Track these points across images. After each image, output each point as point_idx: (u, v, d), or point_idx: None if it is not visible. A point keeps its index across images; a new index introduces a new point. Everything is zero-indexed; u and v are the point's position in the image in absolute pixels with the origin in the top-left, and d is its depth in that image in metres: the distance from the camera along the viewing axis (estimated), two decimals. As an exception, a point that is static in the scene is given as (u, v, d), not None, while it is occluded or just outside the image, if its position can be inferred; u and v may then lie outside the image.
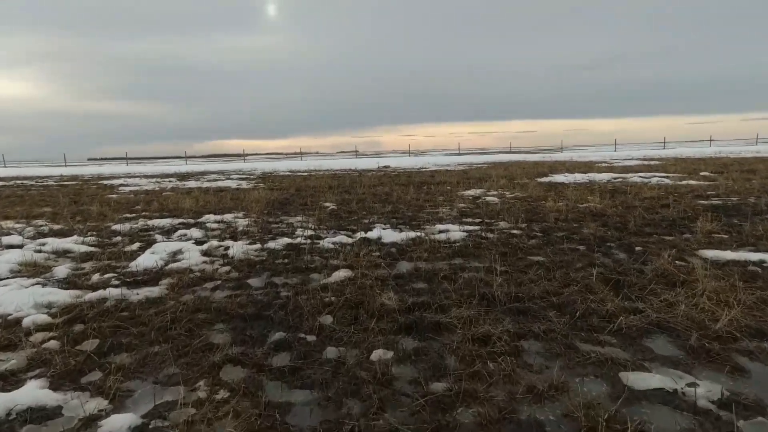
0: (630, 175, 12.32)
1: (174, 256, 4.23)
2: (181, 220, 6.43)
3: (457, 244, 4.44)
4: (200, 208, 7.76)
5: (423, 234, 4.94)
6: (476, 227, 5.31)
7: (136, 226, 6.05)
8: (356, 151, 51.07)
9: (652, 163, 18.54)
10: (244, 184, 13.41)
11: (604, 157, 27.51)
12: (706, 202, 6.75)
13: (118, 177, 20.35)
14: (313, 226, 5.68)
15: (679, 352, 2.17)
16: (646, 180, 10.63)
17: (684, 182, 9.81)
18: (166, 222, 6.30)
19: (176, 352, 2.27)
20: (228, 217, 6.64)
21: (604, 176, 12.25)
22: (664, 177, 11.21)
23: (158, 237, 5.15)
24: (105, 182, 16.38)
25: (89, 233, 5.51)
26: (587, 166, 17.54)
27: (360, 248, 4.37)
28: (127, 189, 12.78)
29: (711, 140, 48.19)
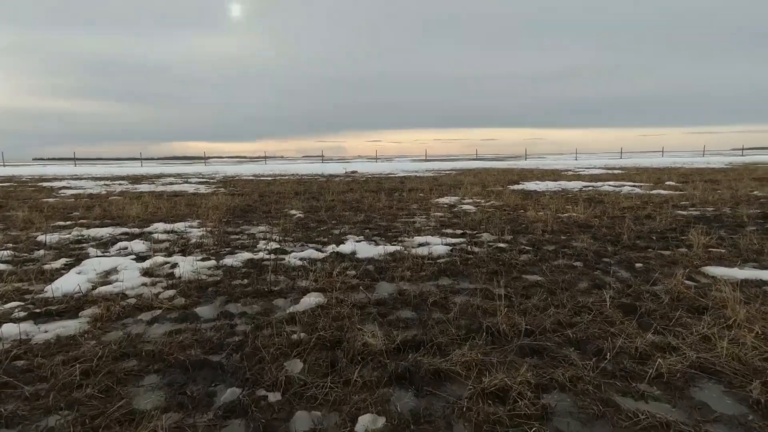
0: (599, 183, 12.35)
1: (106, 276, 3.49)
2: (124, 230, 5.61)
3: (442, 260, 3.95)
4: (149, 215, 6.91)
5: (402, 248, 4.42)
6: (459, 240, 4.85)
7: (67, 237, 5.20)
8: (322, 156, 50.18)
9: (616, 171, 18.94)
10: (203, 189, 12.48)
11: (568, 165, 28.11)
12: (685, 213, 6.61)
13: (62, 179, 18.71)
14: (277, 238, 5.04)
15: (743, 409, 1.74)
16: (617, 189, 10.61)
17: (655, 191, 9.82)
18: (105, 232, 5.47)
19: (80, 428, 1.62)
20: (180, 226, 5.87)
21: (574, 184, 12.21)
22: (633, 186, 11.26)
23: (92, 251, 4.36)
24: (45, 184, 14.92)
25: (4, 246, 4.62)
26: (555, 174, 17.67)
27: (332, 265, 3.78)
28: (69, 192, 11.57)
29: (663, 151, 50.68)
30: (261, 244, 4.65)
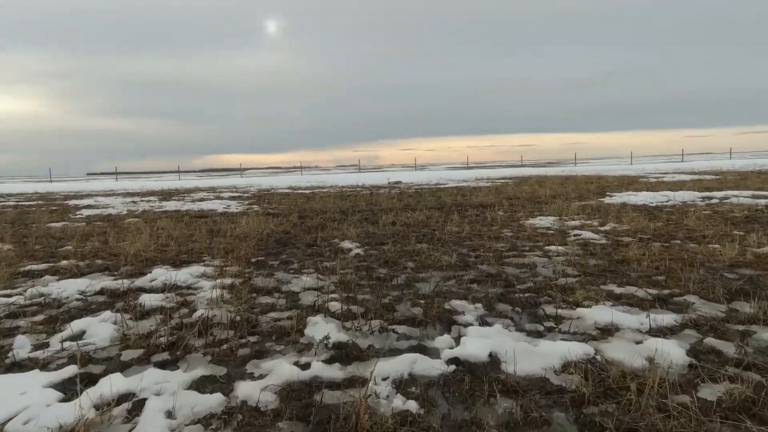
0: (718, 193, 9.75)
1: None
2: (107, 283, 3.81)
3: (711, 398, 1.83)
4: (156, 251, 5.15)
5: (584, 355, 2.32)
6: (669, 317, 2.70)
7: (17, 297, 3.43)
8: (359, 166, 48.68)
9: (707, 177, 16.01)
10: (234, 206, 10.82)
11: (632, 170, 25.05)
12: None
13: (94, 195, 17.77)
14: (337, 308, 3.05)
15: None
16: (751, 200, 8.07)
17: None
18: (80, 286, 3.67)
19: None
20: (189, 273, 4.03)
21: (684, 195, 9.67)
22: (759, 195, 8.65)
23: (19, 343, 2.52)
24: (71, 202, 13.78)
25: None
26: (633, 181, 15.02)
27: (471, 404, 1.75)
28: (87, 213, 10.17)
29: (731, 152, 45.94)
30: (310, 327, 2.67)
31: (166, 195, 16.46)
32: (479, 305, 2.98)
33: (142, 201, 13.54)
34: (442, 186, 16.62)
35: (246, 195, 15.06)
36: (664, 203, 8.57)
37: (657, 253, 4.27)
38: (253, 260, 4.61)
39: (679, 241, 4.87)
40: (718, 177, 15.89)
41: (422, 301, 3.10)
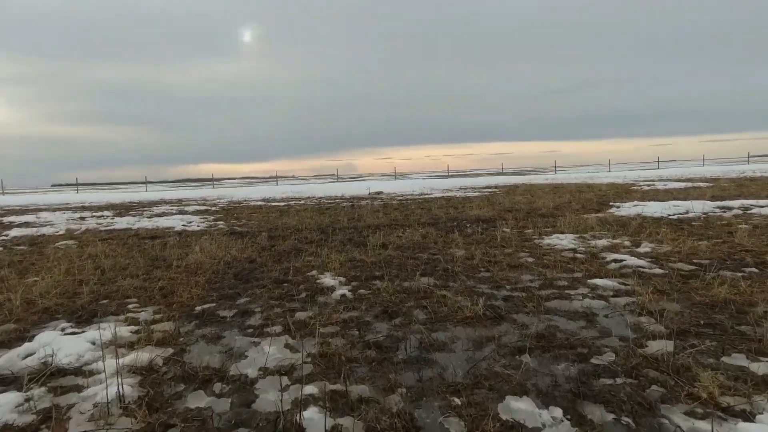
0: (728, 202, 8.93)
1: None
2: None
3: None
4: (65, 294, 3.78)
5: None
6: None
7: None
8: (337, 175, 47.35)
9: (699, 185, 15.42)
10: (196, 222, 9.40)
11: (613, 178, 24.59)
12: None
13: (44, 209, 15.90)
14: (317, 424, 1.81)
15: None
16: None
17: None
18: None
19: None
20: (91, 339, 2.70)
21: (693, 205, 8.80)
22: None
23: None
24: (9, 219, 12.00)
25: None
26: (628, 190, 14.27)
27: None
28: (16, 233, 8.57)
29: (704, 160, 46.76)
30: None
31: (124, 209, 14.80)
32: (556, 410, 1.78)
33: (93, 217, 11.91)
34: (427, 197, 15.53)
35: (213, 209, 13.58)
36: (684, 215, 7.64)
37: (748, 290, 3.19)
38: (198, 309, 3.31)
39: (755, 269, 3.82)
40: (711, 184, 15.34)
41: (458, 401, 1.88)
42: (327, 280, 3.99)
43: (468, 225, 7.43)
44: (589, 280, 3.71)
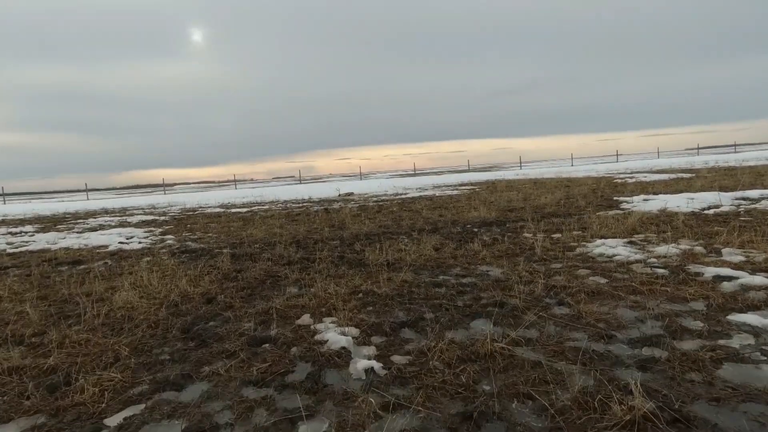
0: (745, 192, 8.19)
1: None
2: None
3: None
4: None
5: None
6: None
7: None
8: (299, 177, 45.27)
9: (682, 176, 15.03)
10: (138, 238, 7.60)
11: (583, 171, 24.33)
12: None
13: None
14: None
15: None
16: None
17: None
18: None
19: None
20: None
21: (706, 197, 7.99)
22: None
23: None
24: None
25: None
26: (618, 184, 13.61)
27: None
28: None
29: (659, 152, 48.40)
30: None
31: (52, 222, 12.54)
32: None
33: (7, 234, 9.74)
34: (404, 197, 14.23)
35: (162, 219, 11.65)
36: (715, 208, 6.72)
37: None
38: (110, 421, 1.80)
39: None
40: (693, 175, 14.98)
41: None
42: (332, 335, 2.55)
43: (477, 230, 6.17)
44: (729, 317, 2.49)
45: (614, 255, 4.17)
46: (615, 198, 9.22)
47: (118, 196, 37.15)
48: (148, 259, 5.50)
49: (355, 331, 2.63)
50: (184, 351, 2.49)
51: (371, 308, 3.07)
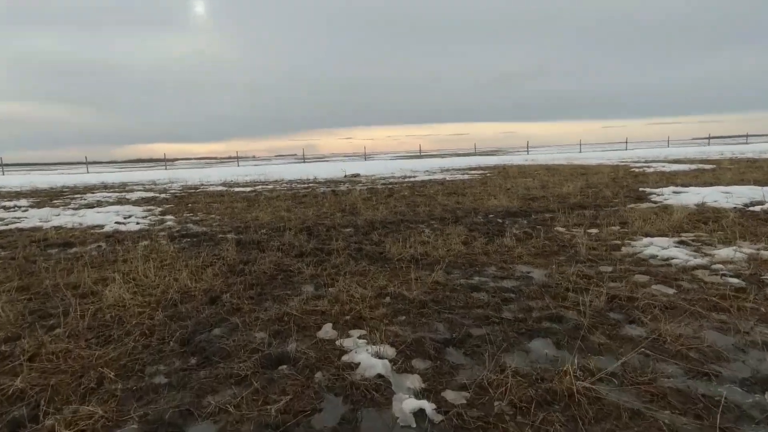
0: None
1: None
2: None
3: None
4: None
5: None
6: None
7: None
8: (303, 156, 44.56)
9: (703, 167, 14.45)
10: (137, 218, 7.13)
11: (595, 159, 23.66)
12: None
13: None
14: None
15: None
16: None
17: None
18: None
19: None
20: None
21: (748, 192, 7.48)
22: None
23: None
24: None
25: None
26: (633, 174, 13.04)
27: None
28: None
29: (668, 141, 47.45)
30: None
31: (49, 196, 12.06)
32: None
33: (0, 208, 9.27)
34: (414, 180, 13.70)
35: (163, 196, 11.16)
36: (760, 205, 6.21)
37: None
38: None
39: None
40: (714, 166, 14.39)
41: None
42: (364, 357, 2.09)
43: (502, 221, 5.68)
44: None
45: (670, 258, 3.69)
46: (641, 189, 8.70)
47: (119, 170, 36.56)
48: (146, 243, 5.04)
49: (390, 351, 2.17)
50: (184, 372, 2.03)
51: (404, 317, 2.61)
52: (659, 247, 4.00)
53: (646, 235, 4.50)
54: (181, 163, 73.40)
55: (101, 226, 6.40)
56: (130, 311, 2.77)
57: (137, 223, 6.60)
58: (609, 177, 11.70)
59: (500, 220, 5.80)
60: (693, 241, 4.24)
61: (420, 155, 45.55)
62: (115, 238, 5.48)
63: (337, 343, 2.28)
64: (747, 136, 48.38)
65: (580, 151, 41.38)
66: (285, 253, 4.28)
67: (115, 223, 6.62)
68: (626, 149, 43.17)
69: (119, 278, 3.26)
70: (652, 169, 14.15)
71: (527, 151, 43.74)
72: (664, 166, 15.35)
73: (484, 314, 2.60)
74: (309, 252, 4.26)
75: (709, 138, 47.71)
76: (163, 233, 5.71)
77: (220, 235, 5.39)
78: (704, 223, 4.96)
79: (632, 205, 6.68)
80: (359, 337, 2.34)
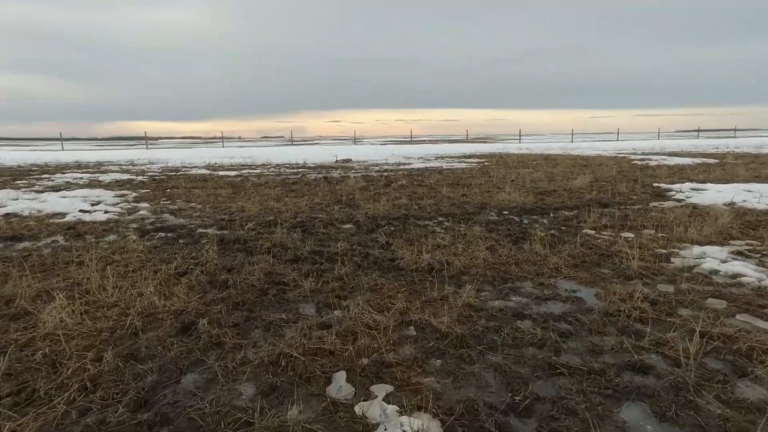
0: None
1: None
2: None
3: None
4: None
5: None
6: None
7: None
8: (291, 138, 43.29)
9: (707, 161, 14.07)
10: (107, 204, 6.33)
11: (592, 150, 23.26)
12: None
13: None
14: None
15: None
16: None
17: None
18: None
19: None
20: None
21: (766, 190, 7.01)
22: None
23: None
24: None
25: None
26: (635, 167, 12.58)
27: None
28: None
29: (659, 133, 47.47)
30: None
31: (12, 176, 11.06)
32: None
33: (-45, 190, 8.30)
34: (409, 167, 13.01)
35: (140, 179, 10.28)
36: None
37: None
38: None
39: None
40: (717, 160, 14.03)
41: None
42: (399, 439, 1.45)
43: (519, 220, 5.07)
44: None
45: (736, 275, 3.12)
46: (655, 184, 8.18)
47: (98, 148, 34.93)
48: (112, 238, 4.29)
49: (435, 427, 1.53)
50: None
51: (439, 362, 1.97)
52: (716, 260, 3.43)
53: (694, 243, 3.93)
54: (164, 142, 71.24)
55: (62, 215, 5.59)
56: (71, 345, 2.07)
57: (105, 212, 5.80)
58: (615, 170, 11.19)
59: (517, 219, 5.19)
60: (750, 251, 3.68)
61: (411, 141, 44.72)
62: (76, 230, 4.70)
63: (357, 409, 1.64)
64: (735, 130, 48.70)
65: (572, 141, 41.06)
66: (276, 257, 3.59)
67: (80, 211, 5.81)
68: (617, 140, 43.01)
69: (63, 296, 2.53)
70: (655, 162, 13.71)
71: (519, 139, 43.26)
72: (665, 159, 14.93)
73: (544, 359, 1.98)
74: (305, 257, 3.58)
75: (699, 131, 47.90)
76: (134, 225, 4.96)
77: (200, 230, 4.66)
78: (752, 229, 4.41)
79: (655, 203, 6.14)
80: (386, 398, 1.69)
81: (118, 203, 6.61)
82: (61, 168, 13.95)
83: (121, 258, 3.48)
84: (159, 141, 74.77)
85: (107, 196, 7.34)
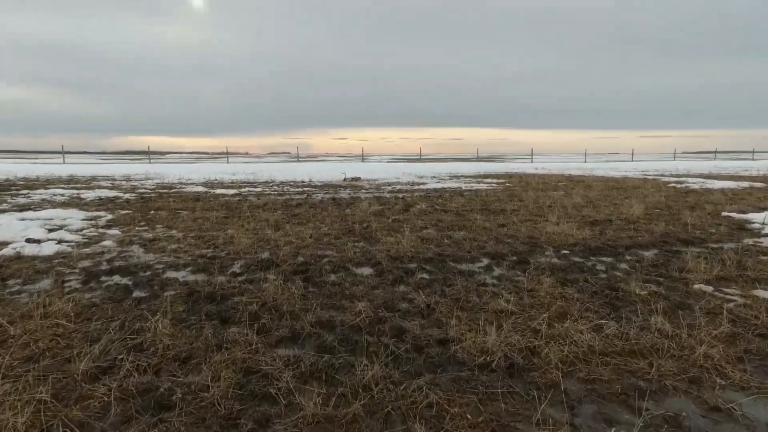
0: None
1: None
2: None
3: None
4: None
5: None
6: None
7: None
8: (297, 155, 42.47)
9: (755, 184, 12.76)
10: (71, 228, 5.15)
11: (611, 170, 21.99)
12: None
13: None
14: None
15: None
16: None
17: None
18: None
19: None
20: None
21: None
22: None
23: None
24: None
25: None
26: (676, 191, 11.30)
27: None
28: None
29: (675, 154, 46.15)
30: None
31: (-11, 192, 9.98)
32: None
33: None
34: (424, 188, 11.82)
35: (126, 196, 9.15)
36: None
37: None
38: None
39: None
40: (764, 184, 12.72)
41: None
42: None
43: (591, 265, 3.80)
44: None
45: None
46: (724, 214, 6.90)
47: (100, 162, 34.20)
48: (41, 286, 3.08)
49: None
50: None
51: None
52: None
53: None
54: (171, 156, 70.89)
55: (3, 245, 4.41)
56: None
57: (59, 242, 4.61)
58: (660, 194, 9.91)
59: (586, 262, 3.93)
60: None
61: (420, 158, 43.73)
62: (8, 270, 3.50)
63: None
64: (754, 152, 47.28)
65: (585, 161, 39.84)
66: (263, 332, 2.35)
67: (26, 240, 4.62)
68: (632, 161, 41.74)
69: None
70: (696, 186, 12.43)
71: (531, 159, 42.11)
72: (705, 183, 13.64)
73: None
74: (307, 333, 2.34)
75: (716, 152, 46.57)
76: (85, 263, 3.76)
77: (168, 274, 3.45)
78: None
79: (748, 240, 4.87)
80: None
81: (83, 228, 5.43)
82: (49, 182, 12.91)
83: (24, 332, 2.26)
84: (166, 155, 74.48)
85: (76, 218, 6.18)
